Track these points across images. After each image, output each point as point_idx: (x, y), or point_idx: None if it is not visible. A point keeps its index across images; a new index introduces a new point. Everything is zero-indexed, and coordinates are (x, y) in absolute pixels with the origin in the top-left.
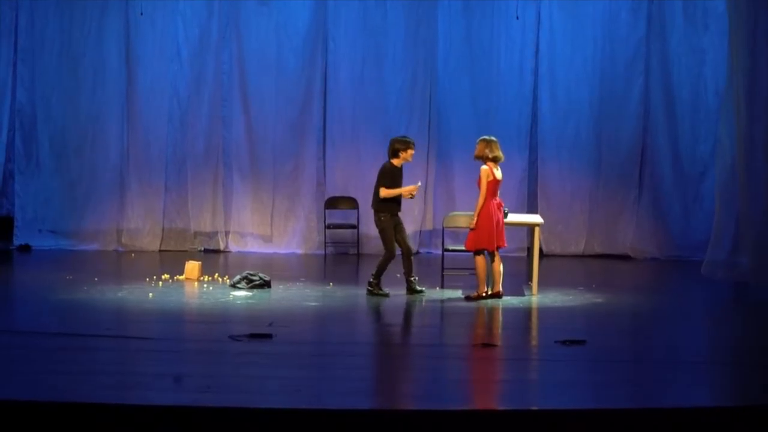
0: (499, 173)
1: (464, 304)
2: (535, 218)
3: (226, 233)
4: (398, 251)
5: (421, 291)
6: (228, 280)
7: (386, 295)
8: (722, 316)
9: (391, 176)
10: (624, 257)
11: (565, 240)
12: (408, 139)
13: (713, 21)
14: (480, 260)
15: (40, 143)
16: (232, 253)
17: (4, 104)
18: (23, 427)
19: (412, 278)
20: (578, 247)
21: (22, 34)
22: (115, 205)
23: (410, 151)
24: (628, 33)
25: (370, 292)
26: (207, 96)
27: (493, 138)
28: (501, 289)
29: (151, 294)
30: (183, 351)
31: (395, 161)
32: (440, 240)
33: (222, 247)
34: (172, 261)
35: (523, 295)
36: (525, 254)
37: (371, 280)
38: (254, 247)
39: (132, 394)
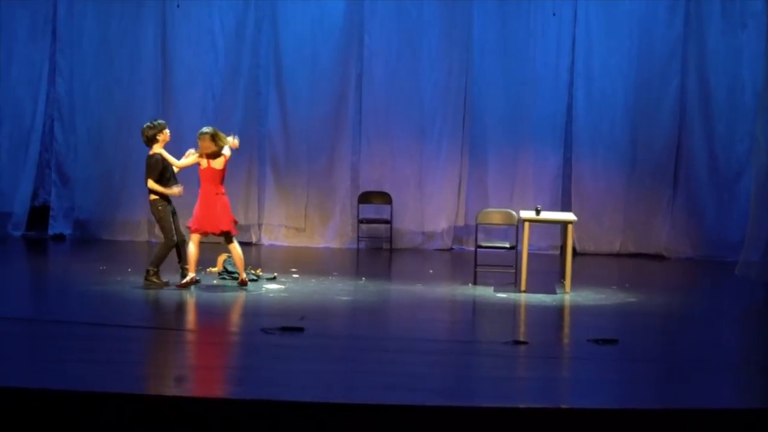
0: None
1: (496, 300)
2: (569, 216)
3: (259, 226)
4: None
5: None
6: (261, 272)
7: (165, 284)
8: (756, 317)
9: (154, 167)
10: (658, 256)
11: (599, 238)
12: (156, 122)
13: (751, 20)
14: None
15: (78, 134)
16: (264, 246)
17: (41, 95)
18: (56, 416)
19: (186, 266)
20: (612, 246)
21: (61, 26)
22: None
23: (166, 132)
24: (665, 31)
25: (148, 282)
26: (242, 89)
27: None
28: None
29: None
30: (216, 343)
31: (155, 148)
32: (473, 236)
33: (255, 240)
34: (204, 253)
35: (556, 293)
36: (558, 252)
37: (149, 269)
38: (287, 240)
39: (164, 385)
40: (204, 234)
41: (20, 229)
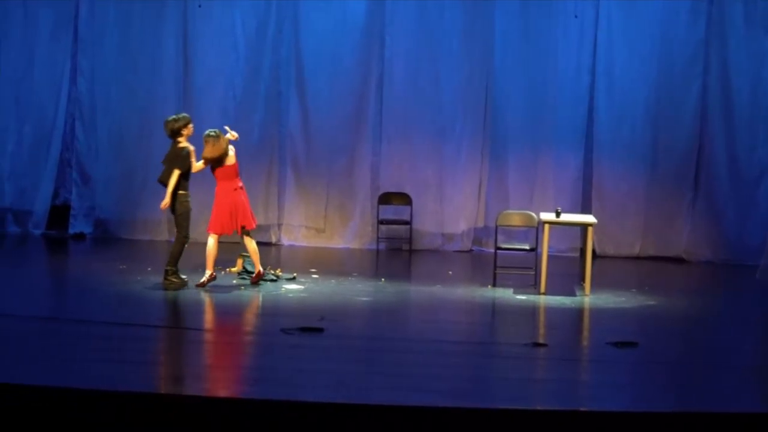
0: None
1: (515, 302)
2: (589, 218)
3: (279, 226)
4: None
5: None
6: (280, 273)
7: (185, 283)
8: None
9: (186, 159)
10: (678, 260)
11: (619, 241)
12: (181, 115)
13: None
14: None
15: (99, 133)
16: (284, 247)
17: (62, 94)
18: (75, 415)
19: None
20: (632, 249)
21: (83, 26)
22: None
23: (191, 126)
24: (687, 34)
25: (167, 281)
26: (263, 89)
27: None
28: None
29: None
30: (235, 343)
31: (183, 142)
32: (493, 238)
33: (274, 240)
34: (224, 253)
35: (575, 295)
36: (578, 254)
37: (167, 268)
38: (307, 241)
39: (183, 385)
40: (221, 234)
41: (41, 228)
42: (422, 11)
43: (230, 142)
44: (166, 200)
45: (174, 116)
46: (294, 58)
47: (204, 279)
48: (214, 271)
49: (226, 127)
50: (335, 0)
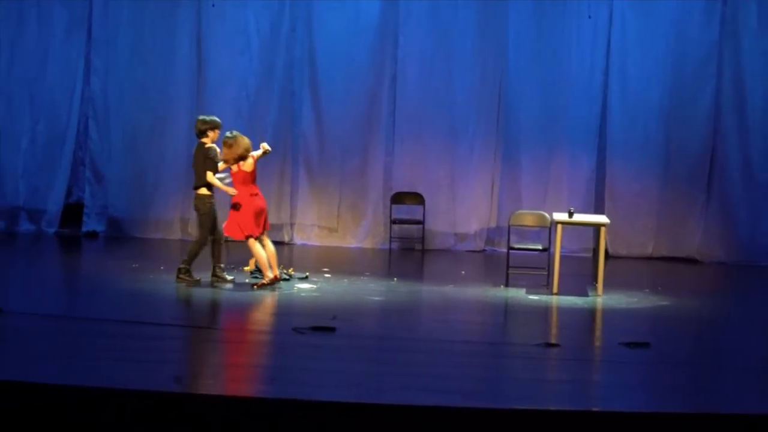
0: None
1: (528, 302)
2: (602, 218)
3: (292, 226)
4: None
5: (231, 279)
6: (293, 272)
7: (197, 282)
8: None
9: (211, 161)
10: (691, 260)
11: (632, 241)
12: (211, 118)
13: None
14: None
15: (112, 132)
16: (297, 246)
17: (76, 93)
18: (85, 414)
19: (222, 265)
20: (644, 249)
21: (96, 25)
22: (182, 195)
23: (217, 131)
24: (701, 35)
25: (180, 279)
26: (276, 89)
27: None
28: None
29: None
30: (247, 342)
31: (207, 142)
32: (505, 238)
33: (287, 239)
34: (237, 252)
35: (588, 295)
36: (590, 255)
37: (181, 266)
38: (320, 240)
39: (195, 384)
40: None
41: (54, 227)
42: (435, 11)
43: (264, 154)
44: (232, 191)
45: (205, 117)
46: (307, 58)
47: (264, 280)
48: (227, 272)
49: (264, 145)
50: (349, 0)
